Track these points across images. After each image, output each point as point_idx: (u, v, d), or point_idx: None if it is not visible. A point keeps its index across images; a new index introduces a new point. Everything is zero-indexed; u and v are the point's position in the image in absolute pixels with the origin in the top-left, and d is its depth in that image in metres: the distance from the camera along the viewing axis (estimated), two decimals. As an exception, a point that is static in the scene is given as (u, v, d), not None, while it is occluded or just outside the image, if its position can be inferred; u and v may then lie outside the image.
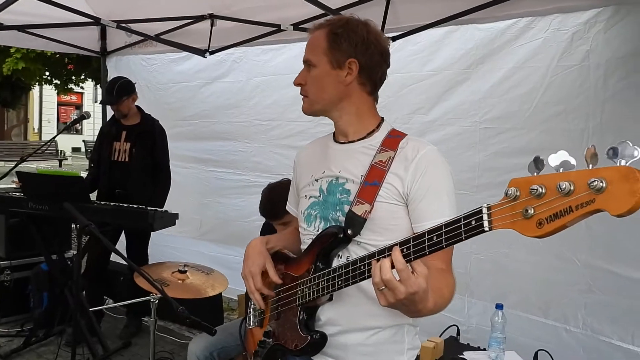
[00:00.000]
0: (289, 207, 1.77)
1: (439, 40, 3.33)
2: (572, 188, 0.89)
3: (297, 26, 3.63)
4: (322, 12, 3.05)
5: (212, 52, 4.27)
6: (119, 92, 4.01)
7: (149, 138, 4.12)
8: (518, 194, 0.97)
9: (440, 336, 2.69)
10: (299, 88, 1.54)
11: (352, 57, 1.44)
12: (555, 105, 2.93)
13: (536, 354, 2.57)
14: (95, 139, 4.46)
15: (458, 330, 2.83)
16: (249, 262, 1.60)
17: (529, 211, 0.95)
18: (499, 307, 2.51)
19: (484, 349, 2.59)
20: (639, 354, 2.76)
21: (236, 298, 3.69)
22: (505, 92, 3.12)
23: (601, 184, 0.85)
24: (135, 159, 4.06)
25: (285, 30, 3.70)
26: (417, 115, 3.46)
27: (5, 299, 4.30)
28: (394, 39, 3.28)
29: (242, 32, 4.03)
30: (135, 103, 4.16)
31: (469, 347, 2.68)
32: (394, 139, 1.48)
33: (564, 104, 2.89)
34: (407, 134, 1.50)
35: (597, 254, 2.87)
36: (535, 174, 0.97)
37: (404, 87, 3.50)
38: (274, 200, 2.54)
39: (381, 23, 3.11)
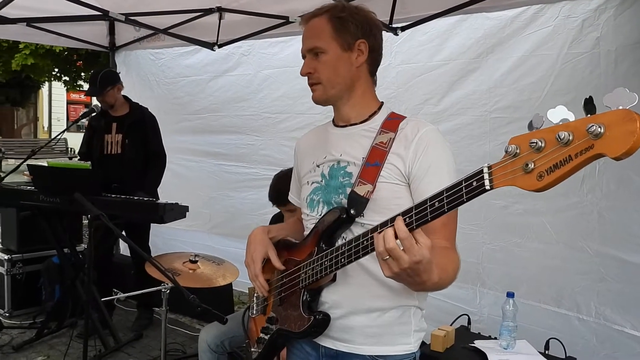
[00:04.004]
0: (291, 197, 1.77)
1: (448, 30, 3.31)
2: (570, 137, 0.88)
3: (305, 18, 3.62)
4: (330, 1, 3.03)
5: (220, 46, 4.28)
6: (103, 82, 3.95)
7: (140, 127, 4.08)
8: (518, 150, 0.96)
9: (451, 325, 2.68)
10: (307, 79, 1.53)
11: (360, 38, 1.45)
12: (565, 93, 2.91)
13: (548, 342, 2.56)
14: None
15: (469, 319, 2.82)
16: (250, 249, 1.61)
17: (529, 165, 0.94)
18: (510, 295, 2.50)
19: (495, 338, 2.59)
20: (652, 342, 2.75)
21: (247, 292, 3.71)
22: (515, 81, 3.10)
23: (599, 129, 0.85)
24: (129, 150, 4.03)
25: (293, 22, 3.69)
26: (427, 106, 3.45)
27: (17, 292, 4.34)
28: (403, 29, 3.27)
29: (250, 25, 4.03)
30: (148, 97, 4.16)
31: (480, 336, 2.67)
32: (393, 121, 1.48)
33: (574, 92, 2.87)
34: (406, 116, 1.50)
35: (609, 242, 2.85)
36: (535, 130, 0.96)
37: (414, 78, 3.49)
38: (281, 188, 2.55)
39: (390, 13, 3.10)
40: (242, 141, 4.67)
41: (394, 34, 3.28)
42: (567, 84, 2.91)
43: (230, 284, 4.04)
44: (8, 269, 4.29)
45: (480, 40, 3.19)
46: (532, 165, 0.93)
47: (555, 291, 3.05)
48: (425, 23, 3.26)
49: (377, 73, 1.56)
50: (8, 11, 3.72)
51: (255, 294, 1.74)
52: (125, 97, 4.19)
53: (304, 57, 1.52)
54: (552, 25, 2.95)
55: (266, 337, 1.59)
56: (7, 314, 4.28)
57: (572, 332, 2.93)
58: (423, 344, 2.37)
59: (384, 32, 1.57)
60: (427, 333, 2.40)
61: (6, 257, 4.28)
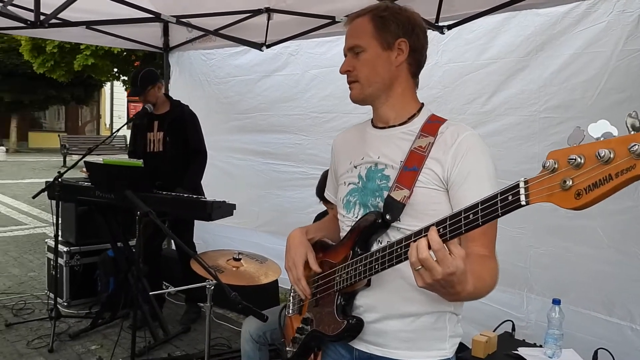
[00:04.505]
0: (327, 194, 1.78)
1: (496, 28, 3.22)
2: (611, 155, 0.85)
3: (352, 17, 3.62)
4: (376, 1, 3.02)
5: (268, 46, 4.34)
6: (143, 82, 4.08)
7: (180, 124, 4.16)
8: (556, 165, 0.93)
9: (494, 331, 2.63)
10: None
11: (400, 37, 1.45)
12: (619, 92, 2.77)
13: (596, 352, 2.46)
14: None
15: (513, 325, 2.75)
16: (291, 252, 1.62)
17: (567, 182, 0.91)
18: (556, 302, 2.42)
19: (540, 346, 2.51)
20: None
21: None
22: (566, 79, 2.98)
23: None
24: (170, 148, 4.13)
25: (339, 21, 3.70)
26: (473, 106, 3.37)
27: (75, 283, 4.56)
28: (449, 27, 3.21)
29: (297, 25, 4.07)
30: (199, 97, 4.26)
31: (524, 343, 2.60)
32: (433, 124, 1.46)
33: (629, 91, 2.73)
34: (447, 119, 1.48)
35: (664, 249, 2.71)
36: (574, 145, 0.93)
37: (460, 77, 3.41)
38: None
39: (436, 12, 3.05)
40: (289, 140, 4.71)
41: (440, 33, 3.23)
42: (621, 83, 2.77)
43: (277, 281, 4.12)
44: (67, 260, 4.50)
45: (530, 38, 3.09)
46: (570, 182, 0.91)
47: (606, 298, 2.92)
48: (472, 21, 3.18)
49: (422, 72, 1.54)
50: (69, 14, 3.90)
51: (291, 294, 1.76)
52: (166, 95, 4.30)
53: (345, 56, 1.52)
54: (605, 21, 2.82)
55: (301, 337, 1.61)
56: (65, 304, 4.50)
57: (623, 342, 2.80)
58: (464, 347, 2.34)
59: (430, 31, 1.55)
60: (468, 337, 2.37)
61: (65, 249, 4.50)
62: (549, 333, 2.41)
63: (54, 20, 3.73)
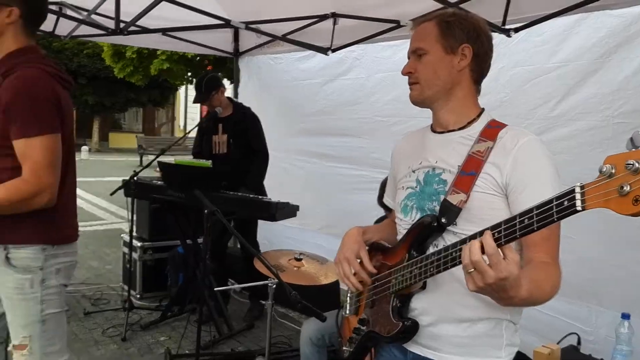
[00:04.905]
0: (386, 199, 1.80)
1: (567, 30, 3.12)
2: None
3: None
4: (441, 6, 3.01)
5: (334, 50, 4.39)
6: (208, 88, 4.20)
7: (242, 126, 4.28)
8: (613, 171, 0.92)
9: (558, 343, 2.54)
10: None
11: (465, 42, 1.46)
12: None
13: (668, 370, 2.34)
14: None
15: (579, 339, 2.65)
16: (343, 248, 1.65)
17: (625, 188, 0.90)
18: (625, 317, 2.32)
19: (607, 362, 2.42)
20: None
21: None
22: (642, 83, 2.85)
23: None
24: (234, 150, 4.27)
25: (404, 25, 3.71)
26: (542, 110, 3.27)
27: (147, 277, 4.79)
28: (517, 30, 3.14)
29: (362, 30, 4.11)
30: (267, 100, 4.37)
31: (589, 358, 2.50)
32: (493, 129, 1.45)
33: None
34: (507, 124, 1.47)
35: None
36: (632, 150, 0.91)
37: (528, 81, 3.33)
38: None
39: (503, 14, 3.00)
40: (354, 144, 4.74)
41: (507, 36, 3.16)
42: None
43: (338, 285, 4.16)
44: (140, 255, 4.75)
45: (603, 40, 2.97)
46: (628, 188, 0.89)
47: (683, 314, 2.76)
48: (541, 23, 3.10)
49: (488, 76, 1.54)
50: (147, 22, 4.13)
51: (348, 294, 1.79)
52: (229, 98, 4.45)
53: (409, 58, 1.55)
54: (684, 22, 2.68)
55: (357, 337, 1.64)
56: (137, 296, 4.74)
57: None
58: (525, 358, 2.28)
59: (495, 35, 1.55)
60: (530, 348, 2.31)
61: (139, 244, 4.74)
62: (616, 349, 2.31)
63: (132, 28, 3.97)
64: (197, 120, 27.53)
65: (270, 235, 5.13)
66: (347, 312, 1.77)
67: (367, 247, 1.66)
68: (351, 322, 1.72)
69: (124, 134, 26.32)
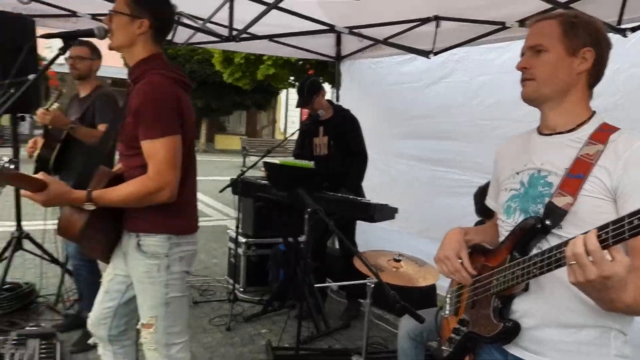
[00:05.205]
0: (489, 201, 1.80)
1: (691, 28, 2.91)
2: None
3: (523, 23, 3.52)
4: (550, 6, 2.92)
5: (436, 53, 4.38)
6: (309, 92, 4.34)
7: (342, 129, 4.38)
8: None
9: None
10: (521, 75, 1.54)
11: (587, 46, 1.44)
12: None
13: None
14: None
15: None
16: (444, 247, 1.67)
17: None
18: None
19: None
20: None
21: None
22: None
23: None
24: (334, 151, 4.37)
25: (510, 27, 3.62)
26: (661, 114, 3.07)
27: (250, 271, 5.03)
28: (634, 29, 2.97)
29: (465, 32, 4.05)
30: (368, 104, 4.45)
31: None
32: (604, 133, 1.42)
33: None
34: (619, 128, 1.43)
35: None
36: None
37: (646, 83, 3.14)
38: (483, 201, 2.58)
39: (618, 13, 2.85)
40: (455, 147, 4.69)
41: (623, 36, 3.00)
42: None
43: (435, 287, 4.14)
44: (244, 250, 5.00)
45: None
46: None
47: None
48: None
49: (601, 79, 1.52)
50: (256, 29, 4.35)
51: (448, 295, 1.82)
52: (329, 101, 4.56)
53: (522, 54, 1.54)
54: None
55: (457, 338, 1.67)
56: (241, 289, 4.99)
57: None
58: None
59: (610, 35, 1.52)
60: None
61: (244, 240, 4.99)
62: None
63: (243, 35, 4.21)
64: (297, 123, 28.25)
65: (367, 237, 5.19)
66: (447, 312, 1.79)
67: (468, 249, 1.68)
68: (451, 322, 1.74)
69: (229, 136, 27.51)
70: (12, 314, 4.01)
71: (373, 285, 2.92)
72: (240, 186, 4.27)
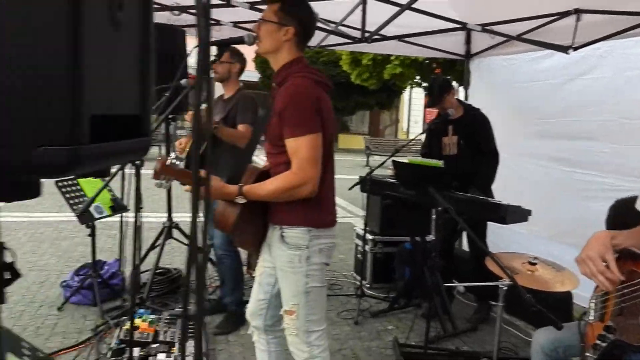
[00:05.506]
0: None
1: None
2: None
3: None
4: None
5: (575, 48, 4.15)
6: (440, 91, 4.29)
7: (472, 128, 4.30)
8: None
9: None
10: None
11: None
12: None
13: None
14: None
15: None
16: (588, 248, 1.63)
17: None
18: None
19: None
20: None
21: (587, 307, 3.54)
22: None
23: None
24: (464, 151, 4.30)
25: (662, 18, 3.36)
26: None
27: (376, 268, 5.13)
28: None
29: (610, 25, 3.81)
30: (498, 102, 4.35)
31: None
32: None
33: None
34: None
35: None
36: None
37: None
38: (618, 219, 2.43)
39: None
40: (594, 148, 4.41)
41: None
42: None
43: (570, 295, 3.94)
44: (371, 247, 5.11)
45: None
46: None
47: None
48: None
49: None
50: (386, 29, 4.43)
51: (592, 300, 1.76)
52: (459, 100, 4.48)
53: None
54: None
55: (602, 345, 1.62)
56: (367, 285, 5.10)
57: None
58: None
59: None
60: None
61: (370, 237, 5.10)
62: None
63: (374, 36, 4.30)
64: (420, 122, 27.93)
65: (496, 239, 5.04)
66: (592, 317, 1.74)
67: (615, 253, 1.62)
68: (595, 328, 1.69)
69: (352, 135, 27.87)
70: (163, 296, 4.47)
71: (506, 288, 2.87)
72: (369, 184, 4.37)
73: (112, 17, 0.51)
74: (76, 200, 4.00)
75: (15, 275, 0.63)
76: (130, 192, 4.22)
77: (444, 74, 12.09)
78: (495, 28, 4.52)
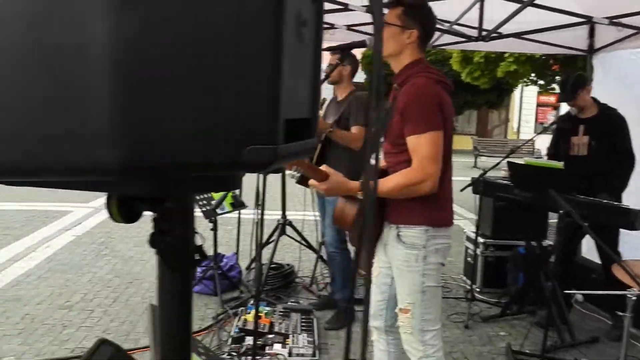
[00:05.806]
0: None
1: None
2: None
3: None
4: None
5: None
6: (574, 86, 4.03)
7: (607, 129, 4.02)
8: None
9: None
10: None
11: None
12: None
13: None
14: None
15: None
16: None
17: None
18: None
19: None
20: None
21: None
22: None
23: None
24: (595, 152, 4.03)
25: None
26: None
27: (487, 272, 4.98)
28: None
29: None
30: (627, 98, 4.06)
31: None
32: None
33: None
34: None
35: None
36: None
37: None
38: None
39: None
40: None
41: None
42: None
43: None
44: (482, 251, 4.97)
45: None
46: None
47: None
48: None
49: None
50: (506, 26, 4.31)
51: None
52: (594, 98, 4.21)
53: None
54: None
55: None
56: (477, 289, 4.97)
57: None
58: None
59: None
60: None
61: (482, 240, 4.96)
62: None
63: (492, 34, 4.20)
64: (532, 122, 26.60)
65: (622, 246, 4.71)
66: None
67: None
68: None
69: (458, 135, 27.14)
70: (277, 289, 4.66)
71: (635, 298, 2.70)
72: (481, 185, 4.27)
73: (298, 32, 0.58)
74: (204, 202, 4.24)
75: (203, 256, 0.73)
76: (248, 190, 4.45)
77: (562, 70, 11.45)
78: (623, 20, 4.23)
